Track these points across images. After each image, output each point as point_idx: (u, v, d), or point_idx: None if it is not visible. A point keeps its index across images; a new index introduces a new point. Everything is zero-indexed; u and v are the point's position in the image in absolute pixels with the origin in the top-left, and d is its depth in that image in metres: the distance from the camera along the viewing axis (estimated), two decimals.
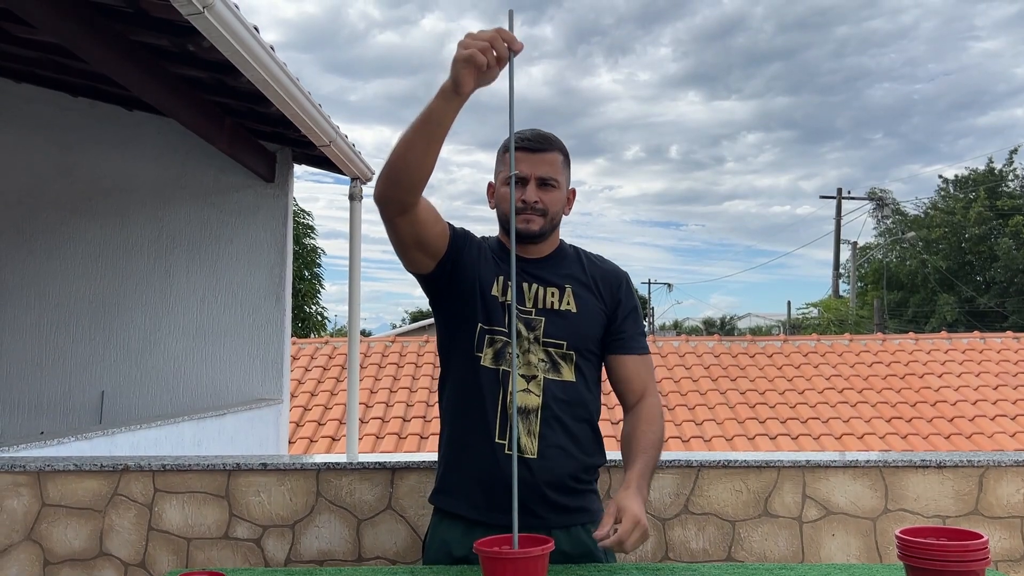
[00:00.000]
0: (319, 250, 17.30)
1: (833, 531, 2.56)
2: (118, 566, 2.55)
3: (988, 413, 8.97)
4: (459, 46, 1.64)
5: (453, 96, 1.69)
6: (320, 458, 2.64)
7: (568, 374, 1.98)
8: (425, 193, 1.87)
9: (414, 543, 2.56)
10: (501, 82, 1.70)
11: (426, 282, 2.02)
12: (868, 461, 2.59)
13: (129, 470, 2.57)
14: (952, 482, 2.57)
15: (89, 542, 2.56)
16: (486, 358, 1.96)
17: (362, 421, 8.91)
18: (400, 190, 1.80)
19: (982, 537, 1.55)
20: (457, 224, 2.04)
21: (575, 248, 2.12)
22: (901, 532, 1.58)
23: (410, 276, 2.04)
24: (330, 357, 10.89)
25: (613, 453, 2.19)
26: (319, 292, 17.69)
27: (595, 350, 2.04)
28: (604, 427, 2.15)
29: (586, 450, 2.01)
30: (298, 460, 2.60)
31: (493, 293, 1.98)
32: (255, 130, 5.59)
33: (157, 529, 2.55)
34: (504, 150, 1.97)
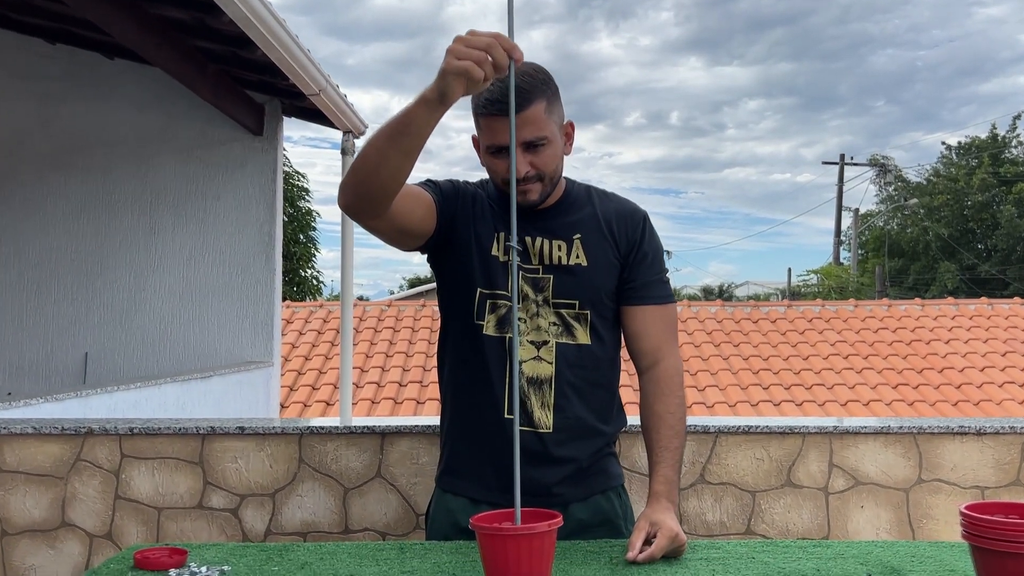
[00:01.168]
0: (314, 213, 17.00)
1: (862, 502, 2.35)
2: (82, 537, 2.34)
3: (996, 380, 8.79)
4: (450, 53, 1.37)
5: (438, 107, 1.44)
6: (303, 422, 2.42)
7: (583, 336, 1.75)
8: (422, 159, 1.63)
9: (406, 514, 2.35)
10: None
11: (420, 250, 1.80)
12: (901, 427, 2.37)
13: (93, 433, 2.35)
14: (992, 450, 2.36)
15: (50, 511, 2.35)
16: (489, 326, 1.73)
17: (357, 386, 8.72)
18: (372, 203, 1.57)
19: None
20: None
21: (587, 188, 1.85)
22: (966, 508, 1.37)
23: None
24: (325, 321, 10.67)
25: (633, 417, 1.97)
26: (315, 256, 17.42)
27: (612, 305, 1.80)
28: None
29: (605, 419, 1.80)
30: (278, 424, 2.39)
31: (493, 253, 1.74)
32: (241, 79, 5.32)
33: (125, 498, 2.34)
34: (478, 112, 1.67)
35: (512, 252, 1.50)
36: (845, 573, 1.50)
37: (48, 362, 5.73)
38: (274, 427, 2.37)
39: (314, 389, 8.89)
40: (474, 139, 1.76)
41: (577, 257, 1.76)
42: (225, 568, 1.51)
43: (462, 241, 1.75)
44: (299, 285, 16.96)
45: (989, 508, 1.39)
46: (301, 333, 10.35)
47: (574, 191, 1.83)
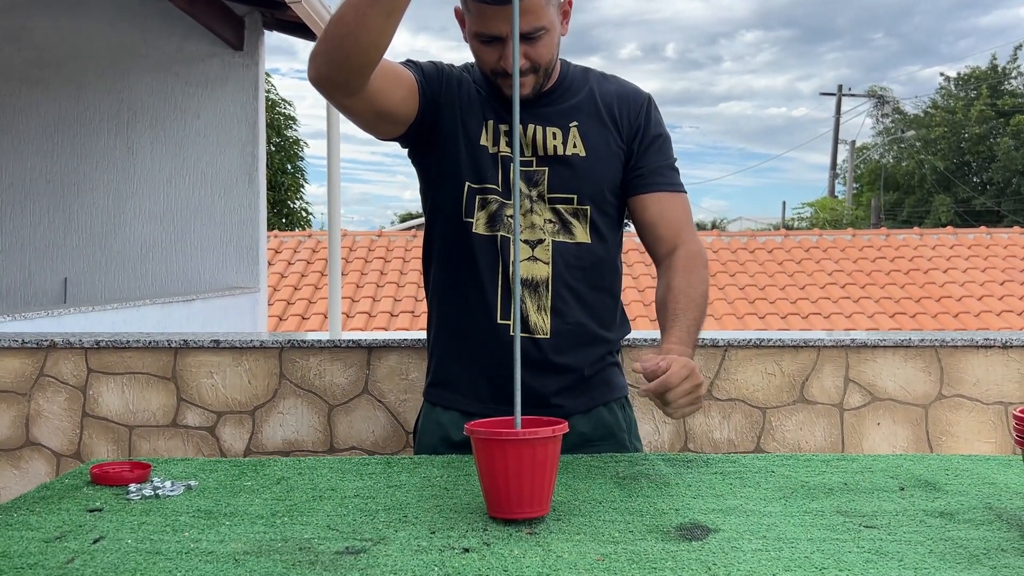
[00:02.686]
0: (302, 142, 16.65)
1: (878, 419, 2.22)
2: (49, 457, 2.20)
3: (994, 309, 8.72)
4: None
5: None
6: (284, 335, 2.26)
7: (582, 234, 1.57)
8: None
9: (395, 431, 2.21)
10: None
11: (401, 142, 1.61)
12: (923, 340, 2.23)
13: (57, 347, 2.18)
14: (1019, 364, 2.23)
15: (13, 429, 2.20)
16: (479, 224, 1.56)
17: (347, 315, 8.59)
18: (348, 75, 1.37)
19: None
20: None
21: (584, 70, 1.65)
22: (1020, 411, 1.23)
23: (399, 178, 1.63)
24: (314, 251, 10.50)
25: (637, 332, 1.81)
26: (303, 187, 17.12)
27: (614, 200, 1.62)
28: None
29: (607, 324, 1.64)
30: (257, 337, 2.23)
31: (482, 143, 1.55)
32: None
33: (93, 415, 2.19)
34: None
35: (515, 229, 1.29)
36: (875, 487, 1.36)
37: (26, 287, 5.55)
38: (252, 340, 2.21)
39: (303, 319, 8.76)
40: (458, 12, 1.55)
41: (574, 147, 1.57)
42: (192, 483, 1.36)
43: (448, 130, 1.56)
44: (288, 216, 16.71)
45: None
46: (290, 263, 10.18)
47: (570, 73, 1.62)
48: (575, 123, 1.57)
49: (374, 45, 1.34)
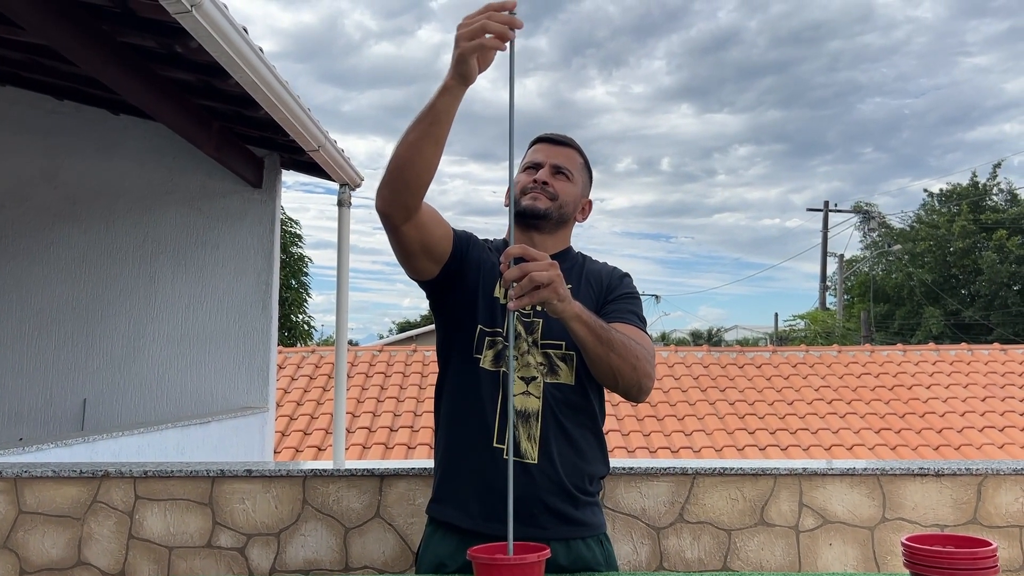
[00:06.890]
0: (306, 259, 17.21)
1: (830, 540, 2.51)
2: (97, 575, 2.47)
3: (976, 424, 8.97)
4: (461, 38, 1.61)
5: (461, 90, 1.67)
6: (307, 465, 2.58)
7: (567, 376, 1.89)
8: None
9: (403, 552, 2.49)
10: (497, 92, 1.67)
11: (430, 287, 1.96)
12: (866, 469, 2.55)
13: (109, 476, 2.49)
14: (951, 490, 2.54)
15: (67, 551, 2.48)
16: (485, 360, 1.89)
17: (349, 431, 8.82)
18: (407, 195, 1.74)
19: (990, 544, 1.50)
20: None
21: (583, 255, 2.08)
22: (907, 539, 1.54)
23: (398, 286, 2.00)
24: (316, 366, 10.79)
25: (616, 460, 2.13)
26: (306, 301, 17.58)
27: None
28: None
29: (588, 458, 1.92)
30: (283, 467, 2.54)
31: (495, 294, 1.92)
32: (243, 135, 5.53)
33: (138, 537, 2.48)
34: (533, 142, 2.05)
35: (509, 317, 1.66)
36: None
37: (48, 408, 5.84)
38: (279, 470, 2.52)
39: (306, 434, 8.98)
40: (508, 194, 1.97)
41: None
42: None
43: (470, 282, 1.92)
44: (291, 330, 17.08)
45: (928, 539, 1.57)
46: (293, 378, 10.45)
47: (572, 253, 2.06)
48: (569, 285, 1.93)
49: (426, 169, 1.72)
